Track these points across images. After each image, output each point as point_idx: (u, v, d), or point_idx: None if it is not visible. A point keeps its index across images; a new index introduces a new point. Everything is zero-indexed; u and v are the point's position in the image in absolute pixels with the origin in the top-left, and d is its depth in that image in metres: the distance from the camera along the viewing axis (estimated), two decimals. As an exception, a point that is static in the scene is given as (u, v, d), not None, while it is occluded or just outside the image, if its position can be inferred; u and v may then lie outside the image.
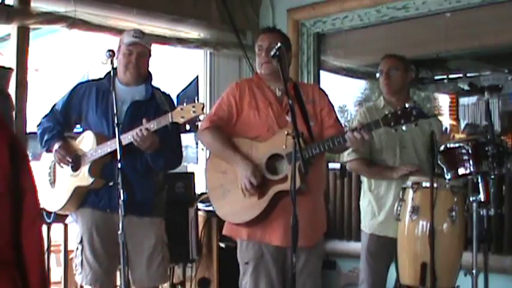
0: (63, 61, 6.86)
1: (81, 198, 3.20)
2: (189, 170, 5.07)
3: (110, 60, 2.93)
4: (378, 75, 3.59)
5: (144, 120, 2.98)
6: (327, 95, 3.09)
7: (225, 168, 2.94)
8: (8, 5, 3.94)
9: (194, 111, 2.88)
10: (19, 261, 1.20)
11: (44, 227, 4.00)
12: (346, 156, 3.51)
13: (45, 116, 3.30)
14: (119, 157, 2.72)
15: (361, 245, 3.59)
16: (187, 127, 2.86)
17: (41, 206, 3.37)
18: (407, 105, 2.66)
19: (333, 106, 3.08)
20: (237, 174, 2.88)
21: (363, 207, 3.58)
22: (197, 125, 3.17)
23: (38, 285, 1.24)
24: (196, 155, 5.31)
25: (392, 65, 3.54)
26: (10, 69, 3.32)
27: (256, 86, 3.04)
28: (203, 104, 2.91)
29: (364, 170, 3.54)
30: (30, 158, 4.29)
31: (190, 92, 5.23)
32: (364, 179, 3.61)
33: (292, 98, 2.82)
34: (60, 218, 3.51)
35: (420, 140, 3.47)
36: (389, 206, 3.38)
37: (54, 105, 3.31)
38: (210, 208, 4.51)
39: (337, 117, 3.07)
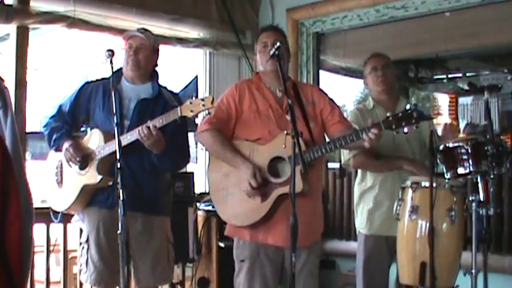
0: (62, 61, 6.85)
1: (88, 197, 3.19)
2: (188, 170, 5.07)
3: (109, 60, 2.93)
4: (367, 72, 3.53)
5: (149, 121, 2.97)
6: (326, 94, 3.08)
7: (227, 170, 2.92)
8: (8, 5, 3.94)
9: (204, 105, 2.87)
10: (3, 256, 1.24)
11: (44, 227, 4.01)
12: (348, 153, 3.44)
13: (52, 116, 3.28)
14: (118, 157, 2.71)
15: (358, 247, 3.55)
16: (197, 120, 2.84)
17: (48, 205, 3.38)
18: (408, 107, 2.64)
19: (334, 103, 3.06)
20: (239, 177, 2.86)
21: (361, 208, 3.52)
22: (197, 124, 3.17)
23: (19, 279, 1.28)
24: (195, 155, 5.31)
25: (385, 62, 3.54)
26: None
27: (256, 88, 3.02)
28: (213, 98, 2.89)
29: (372, 163, 3.42)
30: (29, 157, 4.30)
31: (189, 92, 5.22)
32: (359, 180, 3.54)
33: (291, 97, 2.82)
34: (66, 217, 3.51)
35: (414, 138, 3.45)
36: (388, 205, 3.36)
37: (61, 105, 3.29)
38: (210, 208, 4.52)
39: (341, 113, 3.04)
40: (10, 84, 3.90)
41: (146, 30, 3.30)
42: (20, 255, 1.32)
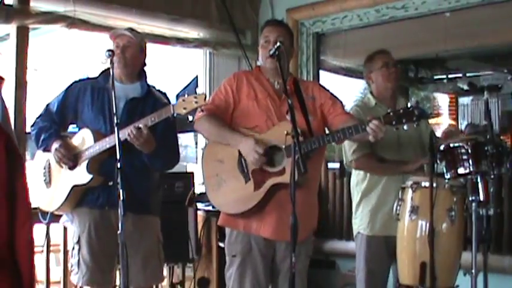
0: (62, 61, 6.85)
1: (78, 197, 3.17)
2: (188, 170, 5.07)
3: (109, 59, 2.93)
4: (377, 67, 3.49)
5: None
6: (327, 90, 3.07)
7: (222, 156, 2.91)
8: (8, 5, 3.94)
9: (196, 102, 2.86)
10: (12, 258, 1.23)
11: (43, 227, 4.00)
12: (351, 155, 3.41)
13: (39, 116, 3.26)
14: (118, 157, 2.71)
15: (357, 248, 3.52)
16: (190, 118, 2.84)
17: (36, 206, 3.37)
18: (409, 105, 2.64)
19: (336, 98, 3.04)
20: (233, 164, 2.85)
21: (361, 208, 3.49)
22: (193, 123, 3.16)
23: (29, 281, 1.27)
24: (195, 155, 5.31)
25: (395, 60, 3.53)
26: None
27: (255, 78, 3.02)
28: (205, 95, 2.88)
29: (376, 166, 3.41)
30: (29, 158, 4.31)
31: (189, 92, 5.20)
32: (359, 179, 3.52)
33: (291, 93, 2.82)
34: (55, 218, 3.50)
35: (415, 138, 3.45)
36: (392, 205, 3.34)
37: (48, 105, 3.27)
38: (210, 208, 4.52)
39: (343, 106, 3.02)
40: (10, 85, 3.90)
41: (133, 29, 3.29)
42: (30, 257, 1.31)
